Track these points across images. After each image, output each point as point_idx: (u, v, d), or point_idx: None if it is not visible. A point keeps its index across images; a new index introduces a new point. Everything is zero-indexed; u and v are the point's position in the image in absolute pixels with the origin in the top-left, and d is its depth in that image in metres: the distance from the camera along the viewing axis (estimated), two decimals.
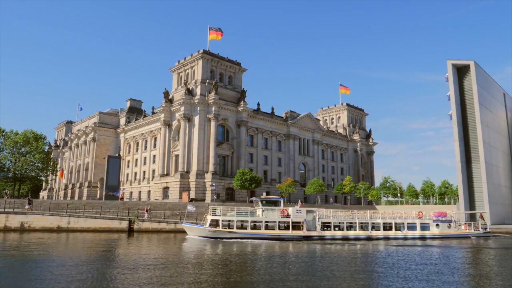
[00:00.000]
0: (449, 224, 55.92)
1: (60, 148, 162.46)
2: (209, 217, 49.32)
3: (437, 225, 55.13)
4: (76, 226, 56.68)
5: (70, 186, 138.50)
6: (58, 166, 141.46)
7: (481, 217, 63.21)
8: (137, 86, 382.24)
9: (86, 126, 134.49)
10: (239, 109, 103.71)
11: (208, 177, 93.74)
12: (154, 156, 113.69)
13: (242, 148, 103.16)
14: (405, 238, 52.28)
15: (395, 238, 51.94)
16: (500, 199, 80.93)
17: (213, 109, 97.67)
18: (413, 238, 52.55)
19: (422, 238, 53.04)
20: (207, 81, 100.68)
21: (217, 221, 48.72)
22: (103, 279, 22.24)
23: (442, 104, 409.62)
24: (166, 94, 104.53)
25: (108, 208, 66.16)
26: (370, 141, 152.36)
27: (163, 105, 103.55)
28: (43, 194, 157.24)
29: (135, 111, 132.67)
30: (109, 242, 44.19)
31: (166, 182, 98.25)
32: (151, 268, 26.01)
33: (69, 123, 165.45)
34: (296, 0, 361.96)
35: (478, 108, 76.84)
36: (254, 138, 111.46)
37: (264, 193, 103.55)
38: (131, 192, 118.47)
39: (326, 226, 50.93)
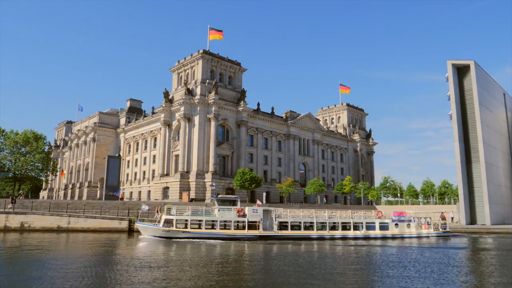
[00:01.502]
0: (409, 224, 55.72)
1: (60, 148, 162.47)
2: (164, 217, 48.66)
3: (396, 225, 54.90)
4: (76, 226, 56.67)
5: (70, 186, 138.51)
6: (58, 166, 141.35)
7: (442, 217, 62.89)
8: (137, 86, 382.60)
9: (86, 126, 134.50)
10: (239, 109, 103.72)
11: (208, 177, 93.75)
12: (154, 156, 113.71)
13: (242, 148, 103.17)
14: (363, 238, 51.83)
15: (353, 238, 51.55)
16: (500, 199, 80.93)
17: (213, 109, 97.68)
18: (371, 238, 52.11)
19: (380, 237, 52.73)
20: (207, 81, 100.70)
21: (171, 220, 48.11)
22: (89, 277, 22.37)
23: (442, 104, 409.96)
24: (166, 94, 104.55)
25: (108, 208, 66.15)
26: (370, 141, 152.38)
27: (163, 105, 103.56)
28: (43, 194, 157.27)
29: (135, 111, 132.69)
30: (105, 243, 44.11)
31: (166, 182, 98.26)
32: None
33: (69, 123, 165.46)
34: (296, 0, 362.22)
35: (478, 108, 76.84)
36: (254, 138, 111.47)
37: (264, 193, 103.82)
38: (131, 192, 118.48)
39: (283, 226, 50.42)
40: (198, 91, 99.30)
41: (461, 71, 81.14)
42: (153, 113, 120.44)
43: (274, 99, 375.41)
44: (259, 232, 48.86)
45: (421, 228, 57.74)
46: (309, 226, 51.63)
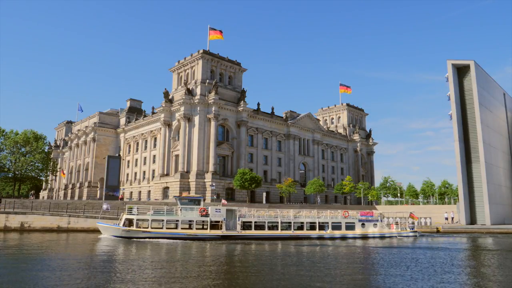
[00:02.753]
0: (375, 224, 55.82)
1: (60, 148, 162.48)
2: (124, 216, 48.32)
3: (362, 224, 55.03)
4: (76, 226, 56.73)
5: (70, 186, 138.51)
6: (58, 166, 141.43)
7: (411, 216, 62.74)
8: (137, 86, 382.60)
9: (86, 126, 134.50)
10: (239, 109, 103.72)
11: (208, 177, 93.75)
12: (154, 156, 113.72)
13: (242, 148, 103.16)
14: (328, 238, 51.71)
15: (318, 238, 51.40)
16: (500, 199, 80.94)
17: (213, 109, 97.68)
18: (336, 238, 52.04)
19: (346, 237, 52.76)
20: (207, 81, 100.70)
21: (131, 220, 47.70)
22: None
23: (442, 104, 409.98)
24: (166, 94, 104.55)
25: None
26: (370, 141, 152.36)
27: (163, 105, 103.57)
28: (43, 194, 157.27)
29: (135, 111, 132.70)
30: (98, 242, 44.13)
31: (166, 182, 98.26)
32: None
33: (69, 123, 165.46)
34: (296, 0, 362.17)
35: (478, 108, 76.84)
36: (254, 138, 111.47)
37: (264, 193, 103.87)
38: (131, 192, 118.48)
39: (246, 225, 50.09)
40: (198, 91, 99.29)
41: (461, 71, 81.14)
42: (153, 113, 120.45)
43: (274, 99, 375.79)
44: (222, 232, 48.48)
45: (388, 228, 58.00)
46: (273, 226, 51.40)
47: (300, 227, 52.60)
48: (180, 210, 49.68)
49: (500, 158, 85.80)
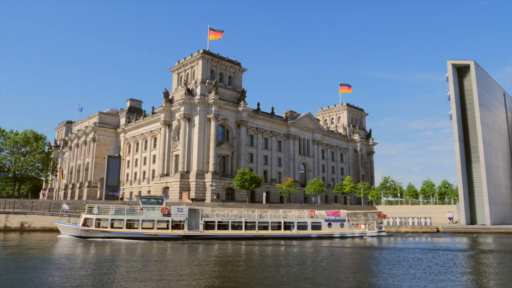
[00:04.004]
0: (342, 224, 55.49)
1: (60, 148, 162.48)
2: (83, 216, 47.63)
3: (329, 224, 54.56)
4: None
5: (70, 186, 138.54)
6: (58, 166, 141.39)
7: (381, 216, 62.53)
8: (137, 86, 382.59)
9: (86, 126, 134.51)
10: (239, 109, 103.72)
11: (208, 177, 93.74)
12: (154, 156, 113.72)
13: (242, 148, 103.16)
14: (293, 238, 51.33)
15: (283, 238, 50.99)
16: (500, 199, 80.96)
17: (213, 109, 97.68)
18: (301, 238, 51.59)
19: (312, 237, 52.32)
20: (207, 81, 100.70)
21: (91, 219, 46.98)
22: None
23: (442, 104, 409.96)
24: (166, 94, 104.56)
25: None
26: (370, 141, 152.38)
27: (163, 105, 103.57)
28: (43, 194, 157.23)
29: (135, 111, 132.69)
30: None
31: (166, 182, 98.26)
32: None
33: (69, 123, 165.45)
34: (296, 0, 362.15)
35: (478, 108, 76.88)
36: (254, 138, 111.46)
37: (264, 193, 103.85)
38: (131, 192, 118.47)
39: (209, 225, 49.47)
40: (198, 91, 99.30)
41: (461, 71, 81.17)
42: (153, 113, 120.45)
43: (274, 99, 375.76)
44: (184, 232, 47.96)
45: (355, 228, 57.83)
46: (237, 226, 50.80)
47: (263, 227, 52.08)
48: (142, 209, 49.04)
49: (500, 158, 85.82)
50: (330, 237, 53.46)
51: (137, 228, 47.33)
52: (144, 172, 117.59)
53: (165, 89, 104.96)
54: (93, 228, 46.40)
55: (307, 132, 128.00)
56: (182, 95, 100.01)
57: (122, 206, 51.14)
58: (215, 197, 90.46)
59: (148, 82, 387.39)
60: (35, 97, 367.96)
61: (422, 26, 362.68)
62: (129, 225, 47.39)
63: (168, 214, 48.50)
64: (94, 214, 47.55)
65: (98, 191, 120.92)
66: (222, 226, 50.21)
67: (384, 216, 63.92)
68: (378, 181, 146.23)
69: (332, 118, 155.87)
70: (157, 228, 47.82)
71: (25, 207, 62.22)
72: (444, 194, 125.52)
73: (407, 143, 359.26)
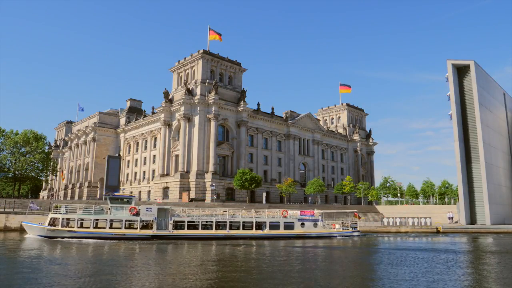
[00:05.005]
0: (316, 224, 55.17)
1: (60, 148, 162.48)
2: (50, 215, 46.92)
3: (302, 224, 54.16)
4: None
5: (70, 186, 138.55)
6: (58, 166, 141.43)
7: (356, 216, 62.07)
8: (137, 86, 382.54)
9: (86, 126, 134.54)
10: (239, 109, 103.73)
11: (208, 177, 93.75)
12: (154, 156, 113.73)
13: (242, 148, 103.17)
14: (265, 237, 50.82)
15: (254, 238, 50.44)
16: (500, 199, 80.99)
17: (213, 109, 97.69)
18: (273, 237, 51.18)
19: (284, 237, 51.88)
20: (207, 81, 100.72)
21: (57, 219, 46.25)
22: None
23: (442, 104, 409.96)
24: (166, 94, 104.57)
25: None
26: (370, 141, 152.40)
27: (163, 105, 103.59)
28: (43, 194, 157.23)
29: (135, 111, 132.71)
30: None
31: (166, 182, 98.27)
32: None
33: (69, 123, 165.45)
34: (296, 0, 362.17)
35: (478, 108, 76.91)
36: (254, 138, 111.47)
37: (264, 193, 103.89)
38: (131, 192, 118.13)
39: (179, 225, 49.00)
40: (198, 91, 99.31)
41: (461, 71, 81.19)
42: (153, 113, 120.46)
43: (274, 99, 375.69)
44: (153, 231, 47.46)
45: (329, 228, 57.56)
46: (208, 226, 50.29)
47: (235, 227, 51.53)
48: (110, 209, 48.47)
49: (500, 158, 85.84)
50: (303, 237, 53.05)
51: (105, 228, 46.65)
52: (144, 172, 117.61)
53: (165, 89, 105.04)
54: (60, 228, 45.69)
55: (307, 132, 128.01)
56: (182, 95, 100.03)
57: (91, 206, 50.29)
58: (215, 197, 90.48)
59: (148, 82, 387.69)
60: (35, 97, 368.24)
61: (422, 26, 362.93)
62: (97, 225, 46.84)
63: (137, 214, 47.93)
64: (61, 213, 46.80)
65: (98, 191, 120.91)
66: (192, 226, 49.67)
67: (359, 217, 63.42)
68: (378, 181, 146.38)
69: (332, 118, 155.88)
70: (126, 228, 47.27)
71: (25, 207, 62.16)
72: (444, 194, 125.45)
73: (407, 143, 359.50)
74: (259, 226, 52.55)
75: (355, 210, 67.82)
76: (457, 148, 76.90)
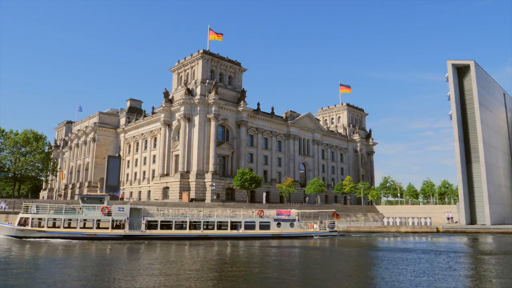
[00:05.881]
0: (292, 223, 54.79)
1: (60, 148, 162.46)
2: (20, 215, 46.53)
3: (278, 224, 53.78)
4: None
5: (70, 186, 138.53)
6: (58, 166, 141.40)
7: (334, 216, 61.58)
8: (137, 86, 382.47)
9: (86, 126, 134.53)
10: (239, 109, 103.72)
11: (208, 177, 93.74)
12: (154, 156, 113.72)
13: (242, 148, 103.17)
14: (240, 237, 50.47)
15: (229, 237, 50.18)
16: (500, 199, 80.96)
17: (213, 109, 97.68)
18: (248, 237, 50.79)
19: (259, 237, 51.43)
20: (207, 81, 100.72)
21: (27, 219, 45.80)
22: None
23: (442, 104, 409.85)
24: (166, 94, 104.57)
25: None
26: (370, 141, 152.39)
27: (163, 105, 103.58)
28: (43, 194, 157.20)
29: (135, 111, 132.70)
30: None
31: (166, 182, 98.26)
32: None
33: (69, 123, 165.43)
34: (296, 0, 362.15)
35: (478, 108, 76.88)
36: (254, 138, 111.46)
37: (264, 193, 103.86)
38: (131, 192, 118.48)
39: (152, 225, 48.56)
40: (198, 91, 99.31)
41: (461, 71, 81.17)
42: (153, 113, 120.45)
43: (274, 99, 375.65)
44: (124, 231, 47.12)
45: (306, 228, 57.19)
46: (181, 225, 49.89)
47: (209, 227, 51.23)
48: (81, 208, 48.19)
49: (500, 158, 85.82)
50: (279, 237, 52.65)
51: (76, 227, 46.31)
52: (144, 172, 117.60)
53: (165, 89, 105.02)
54: (30, 227, 45.20)
55: (307, 132, 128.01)
56: (182, 95, 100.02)
57: (62, 206, 49.85)
58: (215, 197, 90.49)
59: (148, 82, 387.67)
60: (35, 97, 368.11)
61: (422, 26, 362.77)
62: (70, 225, 46.42)
63: (109, 214, 47.65)
64: (30, 213, 46.32)
65: (98, 191, 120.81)
66: (166, 225, 49.25)
67: (337, 216, 62.84)
68: (378, 181, 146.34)
69: (332, 118, 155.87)
70: (97, 228, 46.85)
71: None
72: (444, 194, 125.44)
73: (407, 143, 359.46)
74: (235, 226, 52.02)
75: (333, 210, 67.15)
76: (457, 148, 76.88)
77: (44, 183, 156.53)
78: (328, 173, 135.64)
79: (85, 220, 47.28)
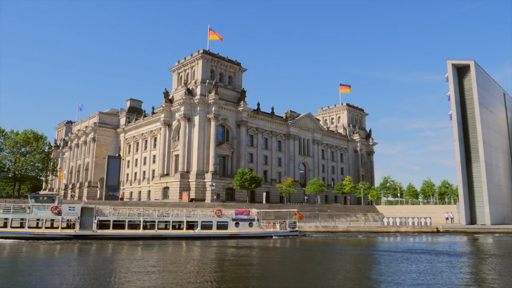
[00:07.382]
0: (251, 223, 54.13)
1: (60, 148, 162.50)
2: None
3: (236, 224, 53.01)
4: None
5: (70, 186, 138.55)
6: (58, 166, 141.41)
7: (297, 215, 60.95)
8: (137, 86, 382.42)
9: (86, 126, 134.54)
10: (239, 109, 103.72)
11: (208, 177, 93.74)
12: (154, 156, 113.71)
13: (242, 148, 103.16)
14: (196, 237, 49.81)
15: (185, 237, 49.56)
16: (500, 199, 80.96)
17: (213, 109, 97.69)
18: (205, 237, 50.18)
19: (216, 237, 50.86)
20: (207, 81, 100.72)
21: None
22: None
23: (442, 104, 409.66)
24: (166, 94, 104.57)
25: None
26: (370, 141, 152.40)
27: (163, 105, 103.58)
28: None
29: (135, 111, 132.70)
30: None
31: (166, 182, 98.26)
32: None
33: (69, 123, 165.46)
34: (296, 0, 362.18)
35: (478, 108, 76.87)
36: (254, 138, 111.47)
37: (264, 193, 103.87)
38: (131, 192, 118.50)
39: (104, 224, 47.67)
40: (198, 91, 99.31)
41: (461, 71, 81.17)
42: (153, 113, 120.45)
43: (274, 99, 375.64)
44: (75, 231, 46.21)
45: (266, 227, 56.58)
46: (135, 225, 49.03)
47: (164, 226, 50.37)
48: (30, 208, 47.11)
49: (500, 158, 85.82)
50: (236, 236, 51.93)
51: (24, 227, 45.28)
52: (144, 172, 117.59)
53: (165, 89, 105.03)
54: None
55: (307, 132, 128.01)
56: (182, 95, 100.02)
57: (7, 205, 48.70)
58: (215, 197, 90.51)
59: (148, 82, 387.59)
60: (35, 97, 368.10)
61: (422, 26, 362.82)
62: (20, 224, 45.68)
63: (59, 213, 46.74)
64: None
65: (98, 191, 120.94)
66: (119, 225, 48.32)
67: (300, 216, 62.27)
68: (378, 181, 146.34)
69: (332, 118, 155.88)
70: (46, 228, 45.91)
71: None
72: (444, 194, 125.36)
73: (407, 143, 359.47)
74: (191, 225, 51.33)
75: (296, 210, 66.45)
76: (457, 148, 76.87)
77: (44, 183, 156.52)
78: (328, 173, 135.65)
79: (36, 220, 46.29)
